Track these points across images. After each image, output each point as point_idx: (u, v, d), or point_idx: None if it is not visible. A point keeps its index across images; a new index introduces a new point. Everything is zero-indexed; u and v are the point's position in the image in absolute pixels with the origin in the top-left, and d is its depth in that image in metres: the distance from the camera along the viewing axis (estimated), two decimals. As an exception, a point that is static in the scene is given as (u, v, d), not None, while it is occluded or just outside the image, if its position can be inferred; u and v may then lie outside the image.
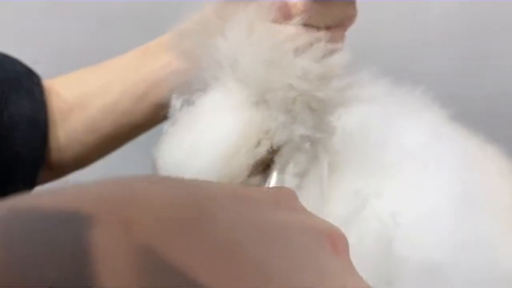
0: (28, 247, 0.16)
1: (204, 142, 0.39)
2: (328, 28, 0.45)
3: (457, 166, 0.45)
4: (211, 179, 0.38)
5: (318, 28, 0.44)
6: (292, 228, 0.23)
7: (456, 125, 0.52)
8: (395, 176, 0.42)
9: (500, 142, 0.54)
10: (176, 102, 0.44)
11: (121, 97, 0.57)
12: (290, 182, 0.39)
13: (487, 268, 0.41)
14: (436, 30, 0.87)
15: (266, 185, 0.39)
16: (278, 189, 0.29)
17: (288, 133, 0.39)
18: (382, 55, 0.86)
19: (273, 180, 0.39)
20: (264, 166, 0.40)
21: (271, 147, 0.39)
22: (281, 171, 0.40)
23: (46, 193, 0.19)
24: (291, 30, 0.42)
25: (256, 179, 0.39)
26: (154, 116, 0.56)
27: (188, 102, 0.44)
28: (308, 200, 0.37)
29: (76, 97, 0.57)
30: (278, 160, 0.40)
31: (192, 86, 0.45)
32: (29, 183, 0.55)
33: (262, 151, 0.39)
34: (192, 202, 0.21)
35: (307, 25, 0.43)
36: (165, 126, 0.45)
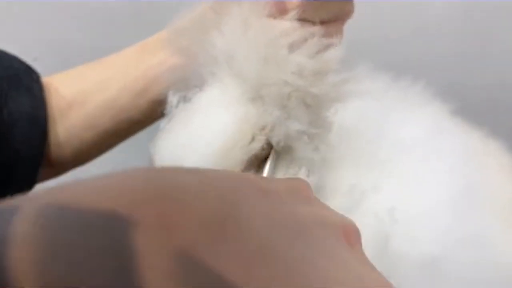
0: (72, 251, 0.16)
1: (199, 137, 0.40)
2: (324, 22, 0.44)
3: (457, 161, 0.44)
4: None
5: (314, 23, 0.44)
6: (312, 223, 0.24)
7: (458, 119, 0.52)
8: (393, 171, 0.42)
9: (502, 136, 0.53)
10: (172, 99, 0.44)
11: (120, 93, 0.57)
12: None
13: (486, 264, 0.41)
14: (436, 21, 0.86)
15: None
16: (294, 180, 0.29)
17: (283, 129, 0.39)
18: (382, 48, 0.85)
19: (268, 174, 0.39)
20: (258, 162, 0.40)
21: (266, 143, 0.39)
22: (277, 167, 0.39)
23: (79, 189, 0.19)
24: (287, 25, 0.42)
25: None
26: (153, 112, 0.56)
27: (185, 99, 0.44)
28: None
29: (75, 94, 0.57)
30: (274, 155, 0.40)
31: (189, 82, 0.45)
32: (29, 181, 0.56)
33: (257, 146, 0.39)
34: (222, 199, 0.21)
35: (303, 20, 0.43)
36: (162, 122, 0.45)
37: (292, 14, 0.42)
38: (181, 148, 0.40)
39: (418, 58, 0.85)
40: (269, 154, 0.39)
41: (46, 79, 0.58)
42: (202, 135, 0.39)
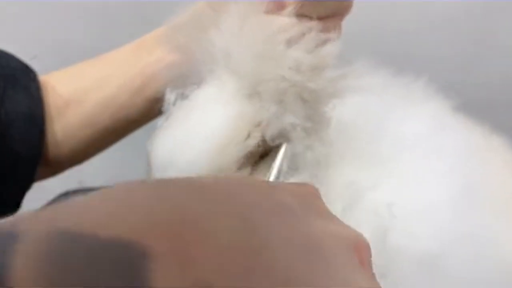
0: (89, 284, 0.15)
1: (195, 134, 0.39)
2: (322, 18, 0.44)
3: (459, 159, 0.44)
4: (202, 171, 0.38)
5: (312, 18, 0.43)
6: (327, 241, 0.24)
7: (461, 115, 0.51)
8: (393, 168, 0.41)
9: (506, 132, 0.53)
10: (170, 96, 0.43)
11: (118, 91, 0.56)
12: (284, 174, 0.39)
13: (486, 262, 0.41)
14: (439, 17, 0.85)
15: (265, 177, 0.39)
16: (303, 187, 0.29)
17: (279, 125, 0.38)
18: (384, 43, 0.85)
19: (272, 173, 0.39)
20: (255, 159, 0.39)
21: (262, 140, 0.39)
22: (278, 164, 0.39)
23: (82, 211, 0.18)
24: (284, 21, 0.42)
25: (246, 171, 0.39)
26: (150, 110, 0.56)
27: (183, 96, 0.44)
28: None
29: (72, 92, 0.57)
30: (272, 153, 0.39)
31: (187, 79, 0.45)
32: (27, 180, 0.55)
33: (252, 143, 0.39)
34: (242, 223, 0.20)
35: (301, 15, 0.42)
36: (159, 120, 0.45)
37: (291, 9, 0.42)
38: (177, 145, 0.40)
39: (420, 53, 0.85)
40: (265, 151, 0.39)
41: (43, 78, 0.57)
42: (199, 131, 0.39)
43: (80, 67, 0.60)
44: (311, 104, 0.38)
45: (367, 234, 0.37)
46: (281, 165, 0.38)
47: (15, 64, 0.55)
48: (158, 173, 0.40)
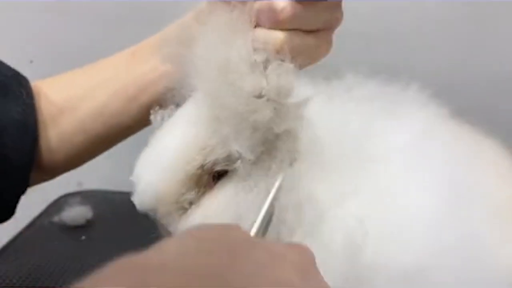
0: None
1: (154, 156, 0.42)
2: (314, 31, 0.44)
3: (443, 168, 0.43)
4: (156, 192, 0.40)
5: (305, 31, 0.43)
6: None
7: (453, 121, 0.51)
8: (368, 180, 0.41)
9: (500, 135, 0.52)
10: (155, 117, 0.44)
11: (111, 99, 0.57)
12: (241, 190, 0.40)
13: (474, 269, 0.40)
14: (433, 18, 0.84)
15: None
16: (303, 254, 0.30)
17: (224, 152, 0.39)
18: (377, 49, 0.84)
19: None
20: (202, 182, 0.41)
21: (203, 164, 0.40)
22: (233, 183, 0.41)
23: None
24: (278, 35, 0.42)
25: (191, 194, 0.40)
26: (143, 117, 0.56)
27: (169, 115, 0.44)
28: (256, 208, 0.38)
29: (65, 100, 0.57)
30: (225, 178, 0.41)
31: (178, 93, 0.45)
32: (20, 186, 0.56)
33: (190, 166, 0.40)
34: None
35: (294, 29, 0.42)
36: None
37: (284, 24, 0.42)
38: (143, 165, 0.42)
39: (413, 58, 0.84)
40: (218, 175, 0.40)
41: (36, 84, 0.58)
42: (156, 153, 0.42)
43: (73, 74, 0.60)
44: (262, 133, 0.39)
45: (339, 252, 0.37)
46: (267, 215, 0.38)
47: (6, 71, 0.56)
48: (133, 189, 0.42)
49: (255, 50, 0.39)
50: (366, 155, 0.41)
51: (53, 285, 0.69)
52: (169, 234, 0.42)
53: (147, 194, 0.41)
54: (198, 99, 0.41)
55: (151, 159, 0.42)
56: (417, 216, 0.40)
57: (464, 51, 0.87)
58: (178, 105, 0.44)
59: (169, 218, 0.41)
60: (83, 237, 0.83)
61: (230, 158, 0.40)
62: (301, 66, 0.40)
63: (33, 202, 0.75)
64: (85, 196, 0.94)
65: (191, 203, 0.41)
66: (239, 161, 0.39)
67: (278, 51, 0.40)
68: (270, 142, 0.40)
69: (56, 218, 0.87)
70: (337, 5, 0.44)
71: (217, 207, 0.40)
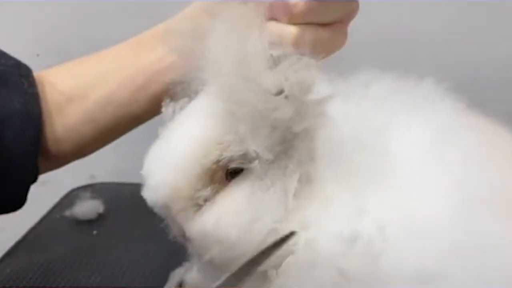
0: None
1: (167, 148, 0.40)
2: (329, 24, 0.43)
3: (462, 168, 0.42)
4: (169, 188, 0.38)
5: (320, 24, 0.42)
6: None
7: (470, 114, 0.49)
8: (386, 184, 0.40)
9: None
10: (167, 110, 0.43)
11: (119, 88, 0.56)
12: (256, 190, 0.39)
13: (494, 268, 0.39)
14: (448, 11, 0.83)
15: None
16: None
17: (240, 149, 0.38)
18: (391, 44, 0.82)
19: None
20: (218, 179, 0.39)
21: (220, 159, 0.38)
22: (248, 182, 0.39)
23: None
24: (293, 29, 0.41)
25: (207, 191, 0.39)
26: (153, 107, 0.55)
27: (181, 107, 0.43)
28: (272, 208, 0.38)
29: (73, 89, 0.57)
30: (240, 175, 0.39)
31: (187, 86, 0.45)
32: (28, 176, 0.56)
33: (206, 161, 0.38)
34: None
35: (309, 23, 0.42)
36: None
37: (298, 18, 0.41)
38: (154, 160, 0.40)
39: (428, 52, 0.82)
40: (225, 171, 0.39)
41: (40, 74, 0.57)
42: (168, 147, 0.40)
43: (79, 63, 0.59)
44: (281, 131, 0.37)
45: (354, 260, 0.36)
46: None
47: (5, 60, 0.55)
48: (143, 184, 0.41)
49: (270, 44, 0.38)
50: (385, 156, 0.40)
51: (66, 280, 0.69)
52: (181, 231, 0.41)
53: (160, 188, 0.39)
54: (212, 93, 0.40)
55: (163, 152, 0.40)
56: (435, 218, 0.39)
57: (478, 44, 0.86)
58: (190, 98, 0.43)
59: (183, 215, 0.40)
60: (95, 232, 0.83)
61: (246, 157, 0.38)
62: (316, 60, 0.39)
63: (45, 195, 0.75)
64: (96, 190, 0.93)
65: (206, 200, 0.39)
66: (256, 161, 0.38)
67: (296, 45, 0.38)
68: (288, 141, 0.39)
69: (67, 213, 0.87)
70: None
71: (233, 206, 0.39)
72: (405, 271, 0.37)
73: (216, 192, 0.39)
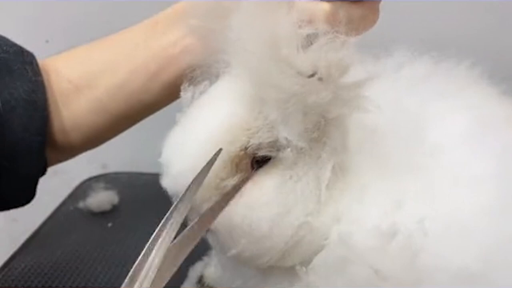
0: None
1: (189, 135, 0.37)
2: (362, 0, 0.40)
3: (499, 160, 0.39)
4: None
5: (351, 1, 0.40)
6: None
7: (504, 99, 0.46)
8: (425, 176, 0.37)
9: None
10: (186, 94, 0.40)
11: (130, 76, 0.53)
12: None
13: None
14: None
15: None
16: None
17: (270, 136, 0.35)
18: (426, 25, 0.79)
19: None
20: (240, 166, 0.37)
21: (247, 146, 0.36)
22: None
23: None
24: (324, 6, 0.38)
25: (233, 180, 0.36)
26: (168, 94, 0.52)
27: (200, 92, 0.41)
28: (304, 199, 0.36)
29: (82, 76, 0.53)
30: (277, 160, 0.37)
31: (205, 70, 0.42)
32: (36, 165, 0.53)
33: (233, 147, 0.36)
34: None
35: None
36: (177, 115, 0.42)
37: None
38: (175, 146, 0.38)
39: (463, 34, 0.79)
40: (251, 159, 0.36)
41: (45, 61, 0.54)
42: (192, 133, 0.37)
43: (88, 49, 0.56)
44: (314, 117, 0.35)
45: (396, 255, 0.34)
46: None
47: (7, 47, 0.52)
48: (163, 173, 0.38)
49: (301, 22, 0.35)
50: (423, 146, 0.38)
51: (82, 276, 0.68)
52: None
53: (181, 177, 0.36)
54: (237, 76, 0.37)
55: (184, 139, 0.37)
56: (477, 213, 0.36)
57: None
58: (210, 82, 0.40)
59: (207, 205, 0.37)
60: (110, 224, 0.81)
61: (275, 144, 0.36)
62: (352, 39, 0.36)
63: (55, 185, 0.73)
64: (109, 180, 0.91)
65: (232, 190, 0.36)
66: (288, 149, 0.35)
67: (329, 23, 0.35)
68: (321, 128, 0.36)
69: (81, 204, 0.85)
70: None
71: (262, 196, 0.36)
72: (446, 269, 0.34)
73: (242, 181, 0.36)
